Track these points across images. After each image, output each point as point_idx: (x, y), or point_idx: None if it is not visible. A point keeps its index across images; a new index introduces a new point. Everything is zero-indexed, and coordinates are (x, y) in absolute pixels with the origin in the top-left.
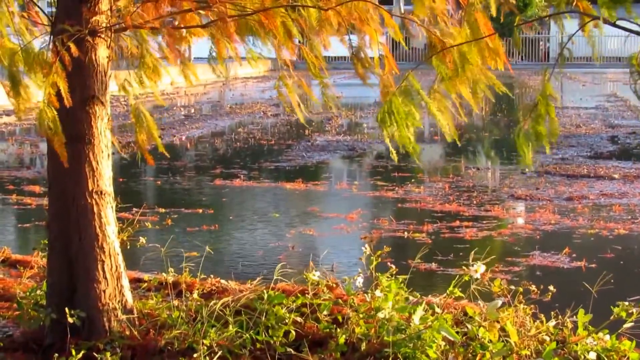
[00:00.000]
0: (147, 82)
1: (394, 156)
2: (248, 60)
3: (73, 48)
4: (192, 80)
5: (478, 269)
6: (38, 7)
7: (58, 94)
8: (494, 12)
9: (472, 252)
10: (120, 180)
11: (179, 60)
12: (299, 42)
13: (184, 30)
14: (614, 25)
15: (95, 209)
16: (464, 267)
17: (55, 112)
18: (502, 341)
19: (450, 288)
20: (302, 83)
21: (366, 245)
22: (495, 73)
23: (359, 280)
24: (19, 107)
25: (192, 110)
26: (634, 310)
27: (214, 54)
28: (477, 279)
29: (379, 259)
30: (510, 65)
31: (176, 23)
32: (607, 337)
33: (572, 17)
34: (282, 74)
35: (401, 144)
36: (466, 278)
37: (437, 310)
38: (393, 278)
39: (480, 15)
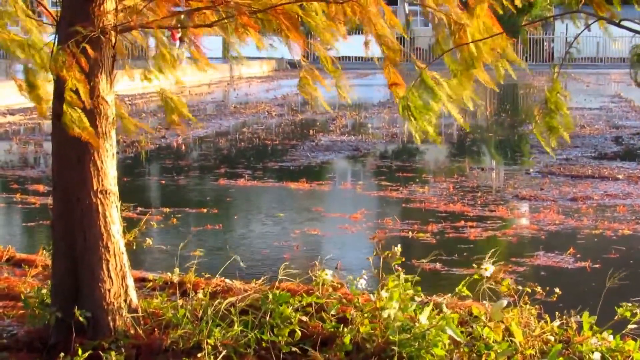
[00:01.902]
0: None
1: (417, 140)
2: (256, 43)
3: (90, 50)
4: (205, 69)
5: (488, 268)
6: (42, 5)
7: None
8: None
9: (485, 253)
10: (125, 179)
11: (189, 54)
12: (309, 39)
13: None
14: (619, 25)
15: (99, 209)
16: (474, 265)
17: (80, 111)
18: (507, 341)
19: (460, 287)
20: (317, 75)
21: (394, 247)
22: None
23: (362, 282)
24: (41, 108)
25: (197, 110)
26: (638, 310)
27: (231, 54)
28: (487, 279)
29: (400, 259)
30: (513, 66)
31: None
32: (612, 337)
33: (578, 17)
34: (302, 73)
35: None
36: (476, 276)
37: (445, 310)
38: (402, 279)
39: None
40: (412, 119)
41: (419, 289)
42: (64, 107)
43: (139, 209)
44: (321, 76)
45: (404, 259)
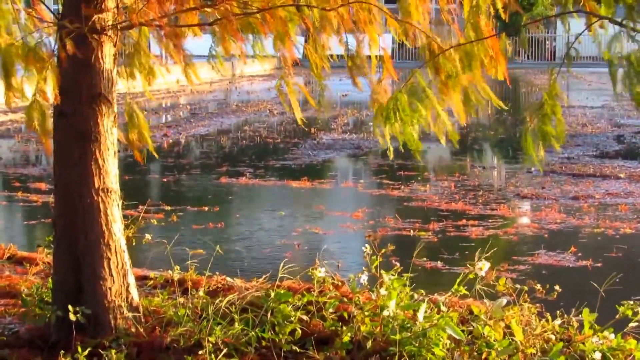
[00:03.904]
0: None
1: (391, 154)
2: (257, 56)
3: (69, 45)
4: (193, 81)
5: (483, 266)
6: (44, 4)
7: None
8: (491, 12)
9: (480, 251)
10: (126, 177)
11: (182, 59)
12: (304, 40)
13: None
14: (620, 25)
15: (101, 207)
16: (469, 265)
17: (44, 108)
18: (508, 340)
19: (456, 286)
20: (300, 87)
21: (367, 245)
22: None
23: (363, 278)
24: (8, 97)
25: (198, 108)
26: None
27: (214, 52)
28: (482, 277)
29: (382, 258)
30: (507, 73)
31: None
32: (613, 336)
33: (579, 16)
34: (284, 73)
35: (403, 141)
36: (471, 276)
37: (443, 308)
38: (397, 276)
39: (482, 18)
40: (400, 121)
41: (409, 289)
42: (33, 98)
43: (140, 207)
44: (324, 74)
45: (381, 259)
